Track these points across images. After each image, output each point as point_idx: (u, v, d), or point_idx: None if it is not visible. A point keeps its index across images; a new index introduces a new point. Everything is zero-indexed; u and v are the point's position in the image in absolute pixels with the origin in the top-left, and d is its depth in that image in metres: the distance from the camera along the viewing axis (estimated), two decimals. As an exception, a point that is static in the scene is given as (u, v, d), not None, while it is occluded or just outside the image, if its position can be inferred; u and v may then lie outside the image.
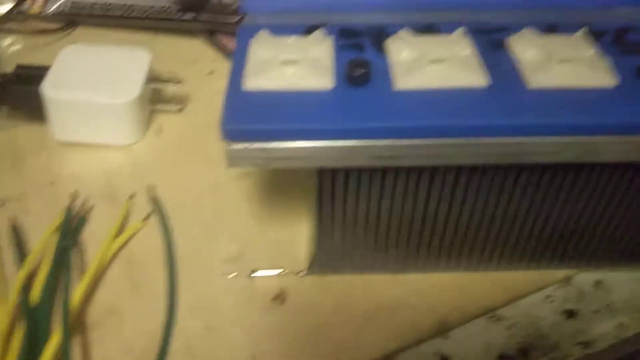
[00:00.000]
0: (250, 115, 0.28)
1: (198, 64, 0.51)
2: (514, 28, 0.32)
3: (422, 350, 0.33)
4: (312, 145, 0.28)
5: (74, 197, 0.39)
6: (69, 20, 0.55)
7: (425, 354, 0.33)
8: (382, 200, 0.32)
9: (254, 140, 0.28)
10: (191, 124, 0.46)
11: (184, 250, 0.37)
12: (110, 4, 0.54)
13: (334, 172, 0.30)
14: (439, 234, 0.34)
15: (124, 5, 0.54)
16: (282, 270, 0.35)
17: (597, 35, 0.32)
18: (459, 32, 0.31)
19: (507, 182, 0.31)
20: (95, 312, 0.34)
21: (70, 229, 0.37)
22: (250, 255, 0.37)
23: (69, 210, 0.37)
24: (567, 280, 0.36)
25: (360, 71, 0.29)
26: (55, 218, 0.37)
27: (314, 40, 0.31)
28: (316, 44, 0.31)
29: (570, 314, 0.34)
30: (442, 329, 0.33)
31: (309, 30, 0.32)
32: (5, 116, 0.46)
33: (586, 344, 0.33)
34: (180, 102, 0.47)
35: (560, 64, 0.29)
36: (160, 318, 0.34)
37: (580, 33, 0.31)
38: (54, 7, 0.55)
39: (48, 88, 0.42)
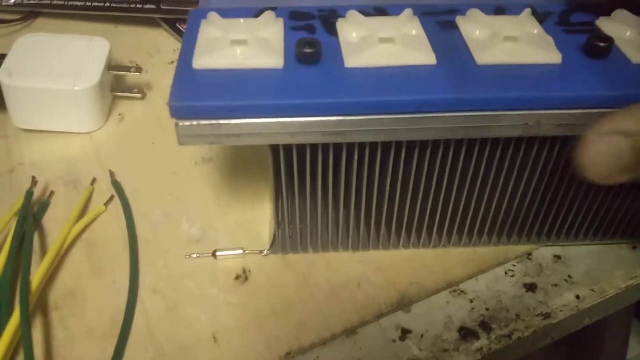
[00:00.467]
0: (198, 92, 0.28)
1: (160, 53, 0.51)
2: (462, 10, 0.33)
3: (384, 324, 0.33)
4: (262, 122, 0.28)
5: (33, 181, 0.38)
6: (29, 11, 0.54)
7: (386, 328, 0.33)
8: (336, 176, 0.32)
9: (203, 118, 0.28)
10: (152, 112, 0.46)
11: (145, 233, 0.37)
12: (70, -5, 0.53)
13: (287, 149, 0.30)
14: (397, 210, 0.34)
15: (85, -5, 0.53)
16: (245, 250, 0.35)
17: (542, 16, 0.33)
18: (406, 12, 0.32)
19: (460, 157, 0.31)
20: (56, 294, 0.34)
21: (31, 213, 0.36)
22: (212, 237, 0.37)
23: (28, 193, 0.37)
24: (527, 255, 0.36)
25: (310, 49, 0.29)
26: (14, 204, 0.37)
27: (263, 21, 0.31)
28: (266, 24, 0.31)
29: (530, 287, 0.35)
30: (403, 304, 0.33)
31: (259, 12, 0.32)
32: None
33: (546, 315, 0.33)
34: (141, 90, 0.46)
35: (506, 41, 0.30)
36: (121, 300, 0.33)
37: (525, 13, 0.32)
38: (14, -2, 0.54)
39: (4, 75, 0.41)
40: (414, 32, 0.31)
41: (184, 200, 0.39)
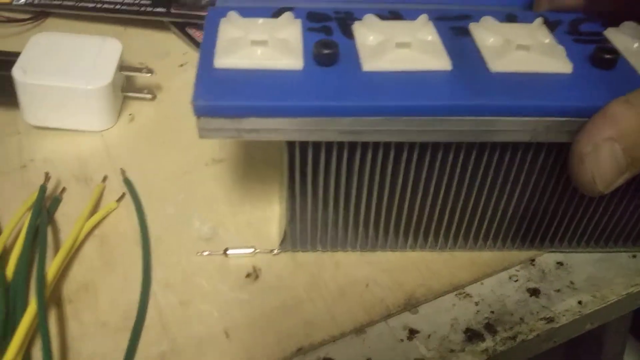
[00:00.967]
0: (220, 92, 0.29)
1: (169, 56, 0.52)
2: (475, 16, 0.34)
3: (391, 325, 0.34)
4: (281, 119, 0.29)
5: (47, 177, 0.39)
6: (40, 11, 0.55)
7: (394, 328, 0.33)
8: (349, 176, 0.33)
9: (225, 116, 0.28)
10: (162, 112, 0.46)
11: (157, 230, 0.37)
12: (81, -4, 0.54)
13: (303, 146, 0.31)
14: (406, 213, 0.35)
15: (96, -4, 0.54)
16: (255, 249, 0.36)
17: (552, 24, 0.34)
18: (422, 18, 0.33)
19: (470, 161, 0.32)
20: (70, 288, 0.34)
21: (44, 208, 0.37)
22: (223, 235, 0.37)
23: (42, 188, 0.37)
24: (530, 260, 0.37)
25: (328, 51, 0.30)
26: (27, 199, 0.37)
27: (282, 22, 0.32)
28: (285, 25, 0.32)
29: (534, 292, 0.36)
30: (411, 305, 0.34)
31: (277, 13, 0.33)
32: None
33: (549, 320, 0.34)
34: (151, 91, 0.47)
35: (519, 49, 0.31)
36: (134, 294, 0.34)
37: (537, 22, 0.33)
38: (25, -3, 0.55)
39: (19, 72, 0.42)
40: (429, 38, 0.32)
41: (195, 199, 0.39)
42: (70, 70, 0.43)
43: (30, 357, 0.31)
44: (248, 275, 0.35)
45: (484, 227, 0.36)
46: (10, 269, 0.33)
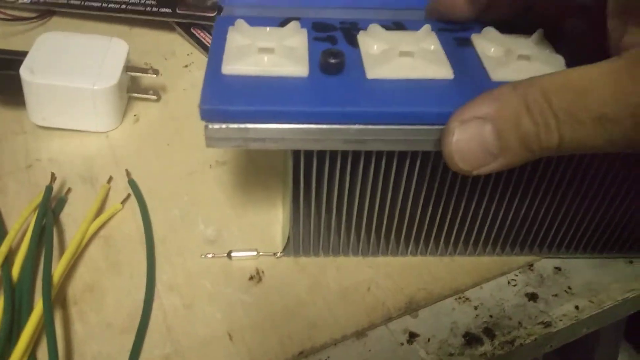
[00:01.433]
0: (227, 97, 0.29)
1: (175, 57, 0.52)
2: (476, 27, 0.34)
3: (392, 328, 0.34)
4: (288, 127, 0.29)
5: (52, 178, 0.39)
6: (46, 10, 0.55)
7: (394, 331, 0.34)
8: (352, 184, 0.33)
9: (231, 121, 0.29)
10: (168, 114, 0.47)
11: (161, 232, 0.38)
12: (87, -5, 0.54)
13: (308, 155, 0.32)
14: (407, 219, 0.35)
15: (101, -4, 0.54)
16: (259, 252, 0.37)
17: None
18: (425, 28, 0.33)
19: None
20: (75, 289, 0.35)
21: (50, 209, 0.37)
22: (227, 238, 0.38)
23: (48, 188, 0.38)
24: (529, 266, 0.38)
25: (334, 60, 0.30)
26: (33, 199, 0.38)
27: (289, 31, 0.33)
28: (291, 34, 0.32)
29: (532, 296, 0.36)
30: (411, 308, 0.35)
31: (284, 22, 0.34)
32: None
33: (547, 324, 0.35)
34: (156, 92, 0.47)
35: (519, 59, 0.32)
36: (138, 295, 0.34)
37: (537, 34, 0.33)
38: (31, -4, 0.55)
39: (26, 72, 0.42)
40: (432, 47, 0.32)
41: (200, 201, 0.40)
42: (76, 70, 0.43)
43: (35, 358, 0.32)
44: (251, 278, 0.36)
45: (484, 233, 0.36)
46: (16, 270, 0.34)
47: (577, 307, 0.36)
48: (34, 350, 0.32)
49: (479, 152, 0.27)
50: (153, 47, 0.53)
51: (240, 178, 0.42)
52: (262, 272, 0.36)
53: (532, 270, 0.38)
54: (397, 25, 0.34)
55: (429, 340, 0.34)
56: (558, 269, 0.38)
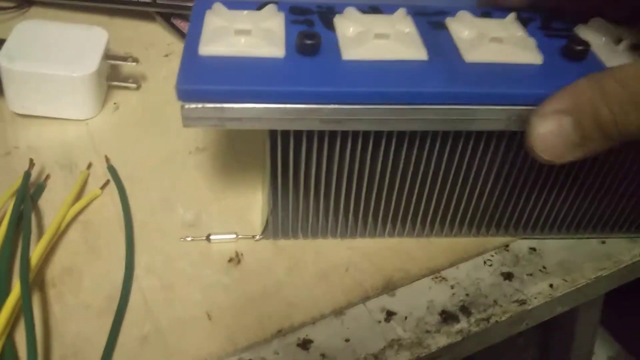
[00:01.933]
0: (204, 77, 0.30)
1: (154, 47, 0.52)
2: (452, 12, 0.35)
3: (370, 307, 0.35)
4: (263, 107, 0.29)
5: (31, 164, 0.39)
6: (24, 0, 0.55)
7: (372, 310, 0.35)
8: (329, 166, 0.34)
9: (208, 101, 0.29)
10: (147, 102, 0.47)
11: (141, 216, 0.38)
12: (66, -14, 0.54)
13: (285, 136, 0.32)
14: (384, 201, 0.36)
15: (80, -13, 0.54)
16: (238, 234, 0.37)
17: (526, 20, 0.35)
18: (400, 12, 0.34)
19: (445, 150, 0.33)
20: (53, 272, 0.35)
21: (28, 194, 0.37)
22: (206, 222, 0.38)
23: (26, 174, 0.38)
24: (504, 246, 0.38)
25: (310, 41, 0.31)
26: (11, 184, 0.38)
27: (266, 13, 0.33)
28: (268, 17, 0.33)
29: (508, 276, 0.37)
30: (388, 288, 0.35)
31: (261, 6, 0.34)
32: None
33: (522, 302, 0.35)
34: (136, 80, 0.48)
35: (492, 42, 0.32)
36: (117, 277, 0.35)
37: (510, 17, 0.34)
38: (9, -13, 0.55)
39: (4, 59, 0.42)
40: (407, 30, 0.33)
41: (179, 186, 0.40)
42: (55, 57, 0.43)
43: (13, 340, 0.32)
44: (230, 260, 0.36)
45: (460, 214, 0.37)
46: (-7, 254, 0.34)
47: (551, 286, 0.36)
48: (11, 332, 0.32)
49: (560, 143, 0.29)
50: (133, 37, 0.53)
51: (220, 163, 0.42)
52: (242, 254, 0.36)
53: (507, 250, 0.38)
54: (373, 10, 0.35)
55: (406, 318, 0.34)
56: (533, 249, 0.38)
